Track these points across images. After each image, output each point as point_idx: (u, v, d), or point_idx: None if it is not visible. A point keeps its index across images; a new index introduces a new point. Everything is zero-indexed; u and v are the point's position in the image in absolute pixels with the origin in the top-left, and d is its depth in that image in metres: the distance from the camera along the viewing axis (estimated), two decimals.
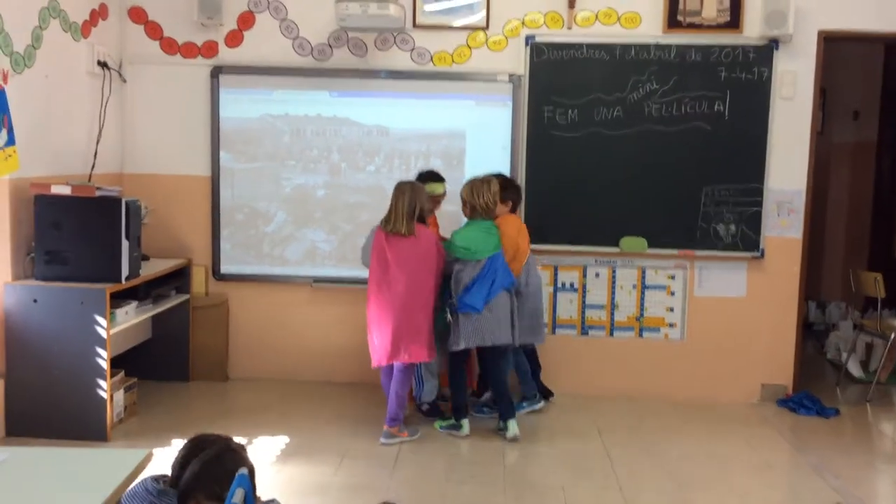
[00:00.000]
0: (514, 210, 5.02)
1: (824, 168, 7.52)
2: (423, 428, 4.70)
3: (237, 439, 4.26)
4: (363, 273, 5.40)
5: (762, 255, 5.38)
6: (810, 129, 5.34)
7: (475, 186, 4.68)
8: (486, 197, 4.66)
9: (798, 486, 4.17)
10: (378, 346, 4.50)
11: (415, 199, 4.49)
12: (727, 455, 4.52)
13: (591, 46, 5.29)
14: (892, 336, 5.64)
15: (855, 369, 6.11)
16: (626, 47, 5.27)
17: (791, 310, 5.46)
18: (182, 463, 2.49)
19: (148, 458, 2.32)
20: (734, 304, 5.46)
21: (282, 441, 4.49)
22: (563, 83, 5.32)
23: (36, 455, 2.34)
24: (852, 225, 7.96)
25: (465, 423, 4.70)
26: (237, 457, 2.33)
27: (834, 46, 5.42)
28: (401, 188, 4.54)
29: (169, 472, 2.56)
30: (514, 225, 4.87)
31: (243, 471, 2.20)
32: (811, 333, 7.22)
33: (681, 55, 5.25)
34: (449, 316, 4.58)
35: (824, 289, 8.03)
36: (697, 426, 4.99)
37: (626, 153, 5.34)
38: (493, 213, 4.72)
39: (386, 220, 4.51)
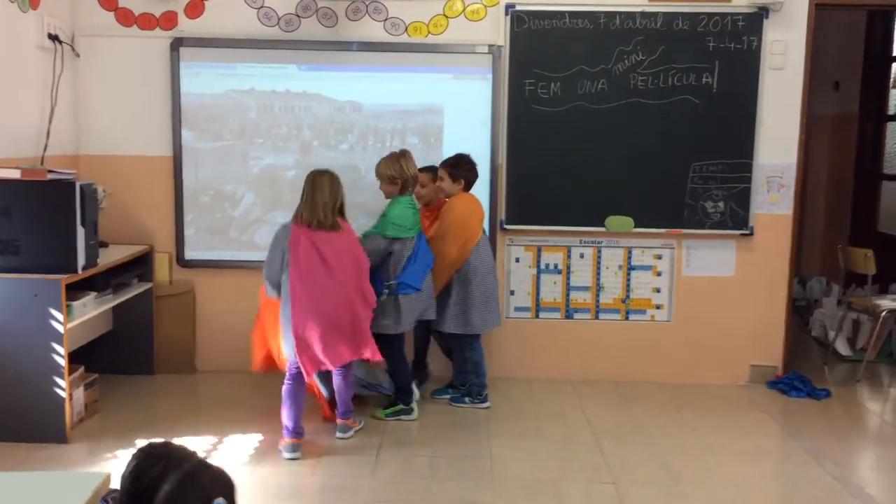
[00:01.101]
0: (467, 189, 4.74)
1: (804, 141, 7.36)
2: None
3: (206, 439, 4.08)
4: None
5: (751, 233, 5.21)
6: (801, 101, 5.16)
7: (402, 160, 4.44)
8: (413, 167, 4.49)
9: (796, 474, 4.01)
10: (306, 353, 4.00)
11: (336, 189, 4.10)
12: (720, 442, 4.35)
13: (573, 15, 5.03)
14: (883, 314, 5.51)
15: (843, 348, 5.99)
16: (610, 15, 5.02)
17: (780, 288, 5.31)
18: (135, 477, 2.26)
19: (106, 483, 2.05)
20: (722, 283, 5.29)
21: (254, 439, 4.23)
22: (545, 54, 5.06)
23: None
24: (832, 199, 7.84)
25: (415, 405, 4.61)
26: (215, 473, 2.09)
27: (817, 14, 5.21)
28: (319, 179, 4.08)
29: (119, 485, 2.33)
30: (465, 205, 4.67)
31: (220, 500, 1.97)
32: (794, 309, 7.07)
33: (668, 23, 5.02)
34: (387, 297, 4.37)
35: (804, 264, 7.91)
36: (688, 411, 4.82)
37: (611, 128, 5.11)
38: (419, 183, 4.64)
39: (309, 214, 4.03)
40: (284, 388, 4.10)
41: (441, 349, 5.12)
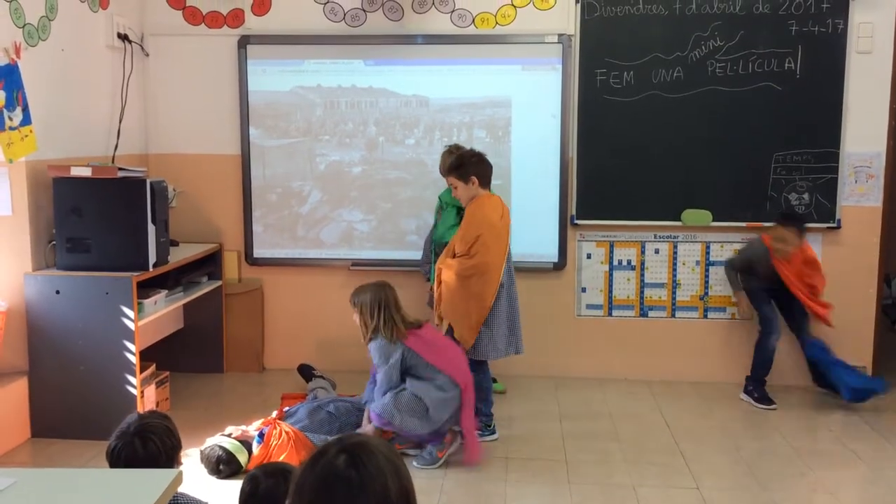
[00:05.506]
0: (484, 186, 4.07)
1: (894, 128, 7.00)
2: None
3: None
4: (402, 255, 5.12)
5: (838, 226, 4.95)
6: (890, 86, 4.88)
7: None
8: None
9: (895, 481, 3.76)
10: None
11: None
12: (809, 446, 4.12)
13: (647, 0, 4.84)
14: None
15: None
16: (686, 0, 4.83)
17: (869, 285, 5.03)
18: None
19: (178, 480, 1.98)
20: None
21: None
22: (617, 42, 4.89)
23: (49, 478, 2.01)
24: None
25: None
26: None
27: None
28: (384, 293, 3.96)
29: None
30: (497, 207, 4.06)
31: None
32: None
33: (747, 7, 4.80)
34: None
35: (889, 260, 7.50)
36: (772, 413, 4.59)
37: (687, 118, 4.91)
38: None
39: (403, 320, 3.95)
40: None
41: None
